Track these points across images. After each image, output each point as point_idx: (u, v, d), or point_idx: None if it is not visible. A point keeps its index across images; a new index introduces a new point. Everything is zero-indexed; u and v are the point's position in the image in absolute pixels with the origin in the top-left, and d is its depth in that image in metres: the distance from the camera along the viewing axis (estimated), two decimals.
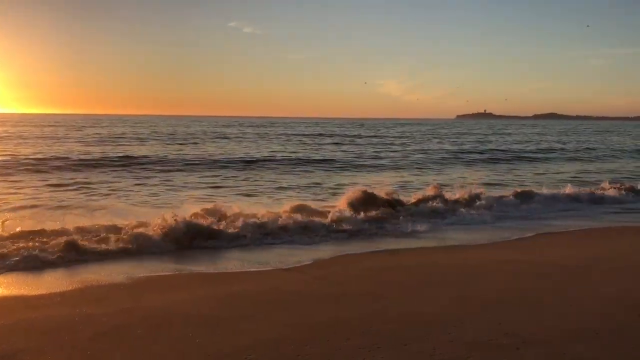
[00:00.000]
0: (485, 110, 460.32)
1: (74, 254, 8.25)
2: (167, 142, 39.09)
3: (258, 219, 10.67)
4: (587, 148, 40.92)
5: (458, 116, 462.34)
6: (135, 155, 26.03)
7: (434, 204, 13.04)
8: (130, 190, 16.35)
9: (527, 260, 8.19)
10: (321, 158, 28.15)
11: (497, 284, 6.89)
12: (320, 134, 58.29)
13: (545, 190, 15.42)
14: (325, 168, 24.18)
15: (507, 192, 15.54)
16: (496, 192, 15.57)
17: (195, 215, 10.56)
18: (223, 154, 29.59)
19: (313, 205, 12.87)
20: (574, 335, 4.96)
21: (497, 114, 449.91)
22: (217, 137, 47.97)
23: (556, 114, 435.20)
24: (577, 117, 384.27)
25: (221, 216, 10.77)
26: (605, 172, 24.24)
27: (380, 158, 30.02)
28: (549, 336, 4.95)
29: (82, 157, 25.28)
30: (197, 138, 45.89)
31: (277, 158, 27.42)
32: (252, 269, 8.00)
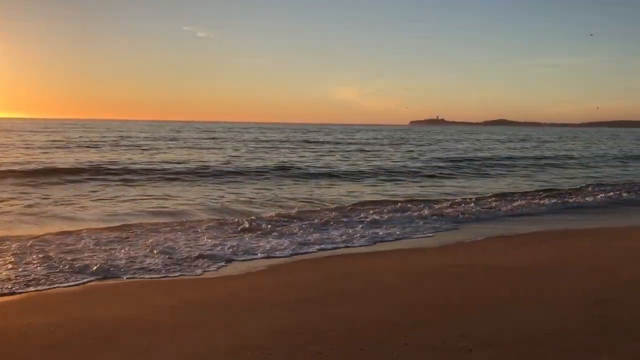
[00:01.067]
0: (437, 117, 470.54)
1: None
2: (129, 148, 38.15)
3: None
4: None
5: (412, 122, 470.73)
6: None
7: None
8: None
9: (478, 263, 8.36)
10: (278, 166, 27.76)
11: (449, 287, 6.99)
12: (280, 140, 58.18)
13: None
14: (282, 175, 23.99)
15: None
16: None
17: None
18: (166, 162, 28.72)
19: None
20: (524, 337, 5.08)
21: (449, 120, 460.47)
22: (171, 142, 47.19)
23: (506, 120, 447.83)
24: (526, 124, 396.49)
25: None
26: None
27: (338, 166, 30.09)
28: (500, 338, 5.05)
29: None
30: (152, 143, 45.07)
31: (231, 168, 26.99)
32: (206, 276, 7.89)
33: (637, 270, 7.82)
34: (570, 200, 16.56)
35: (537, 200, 16.10)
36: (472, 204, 14.97)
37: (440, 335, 5.12)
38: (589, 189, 19.60)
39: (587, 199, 16.94)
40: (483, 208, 14.54)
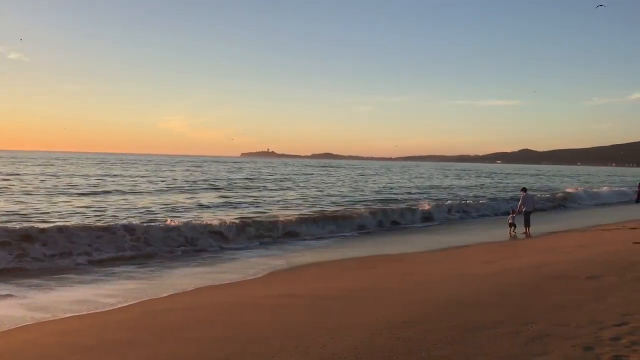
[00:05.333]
0: (268, 149, 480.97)
1: None
2: None
3: None
4: None
5: (243, 154, 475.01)
6: None
7: None
8: None
9: (295, 293, 8.60)
10: None
11: (268, 318, 7.09)
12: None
13: None
14: None
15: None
16: None
17: None
18: None
19: None
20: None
21: (279, 152, 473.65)
22: None
23: (331, 153, 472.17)
24: (349, 157, 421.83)
25: None
26: None
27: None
28: None
29: None
30: None
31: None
32: None
33: (434, 294, 8.57)
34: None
35: None
36: None
37: None
38: None
39: None
40: None
